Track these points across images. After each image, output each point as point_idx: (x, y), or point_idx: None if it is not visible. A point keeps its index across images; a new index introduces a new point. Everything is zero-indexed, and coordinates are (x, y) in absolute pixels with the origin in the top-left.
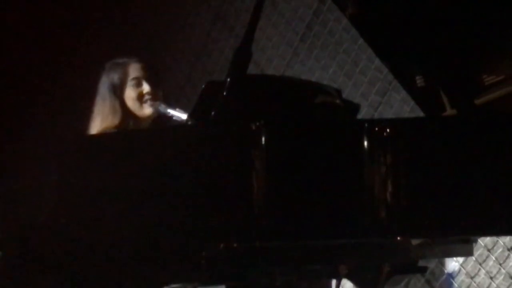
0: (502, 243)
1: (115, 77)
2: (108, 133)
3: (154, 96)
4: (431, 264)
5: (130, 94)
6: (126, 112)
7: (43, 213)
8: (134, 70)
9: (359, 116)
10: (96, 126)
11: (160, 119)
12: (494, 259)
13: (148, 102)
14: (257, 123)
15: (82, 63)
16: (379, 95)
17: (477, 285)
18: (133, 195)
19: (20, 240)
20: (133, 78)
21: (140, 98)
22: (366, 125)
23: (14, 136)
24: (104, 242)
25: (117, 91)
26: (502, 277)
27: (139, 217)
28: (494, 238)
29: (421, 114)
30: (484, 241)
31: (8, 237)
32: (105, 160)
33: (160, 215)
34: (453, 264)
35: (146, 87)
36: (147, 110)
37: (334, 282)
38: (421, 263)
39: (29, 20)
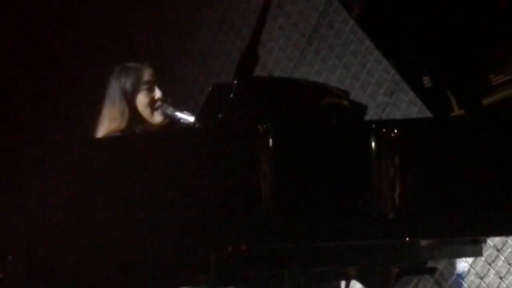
0: (511, 243)
1: (127, 82)
2: (115, 137)
3: (165, 101)
4: (440, 265)
5: (142, 100)
6: (135, 117)
7: (51, 217)
8: (147, 75)
9: (367, 117)
10: (103, 128)
11: (170, 126)
12: (503, 259)
13: (159, 109)
14: (265, 125)
15: (89, 66)
16: (386, 96)
17: (487, 285)
18: (141, 198)
19: (27, 245)
20: (146, 83)
21: (152, 104)
22: (373, 126)
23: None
24: (112, 246)
25: (128, 96)
26: (511, 277)
27: (147, 220)
28: (504, 238)
29: (428, 114)
30: (493, 241)
31: (16, 242)
32: (112, 164)
33: (168, 218)
34: (462, 264)
35: (158, 93)
36: (157, 117)
37: (343, 283)
38: (430, 263)
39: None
